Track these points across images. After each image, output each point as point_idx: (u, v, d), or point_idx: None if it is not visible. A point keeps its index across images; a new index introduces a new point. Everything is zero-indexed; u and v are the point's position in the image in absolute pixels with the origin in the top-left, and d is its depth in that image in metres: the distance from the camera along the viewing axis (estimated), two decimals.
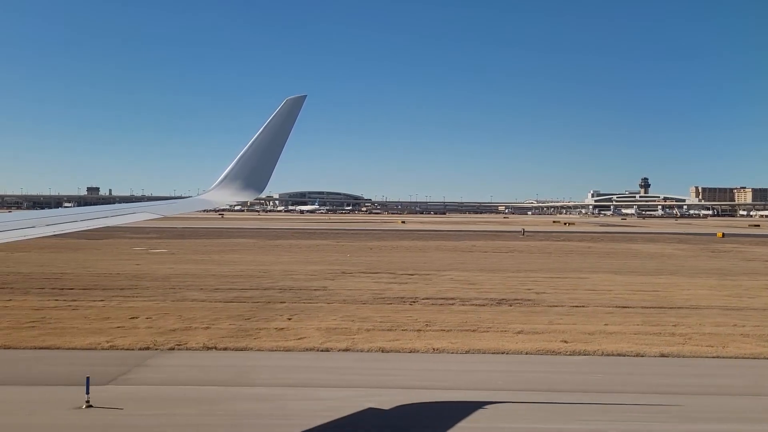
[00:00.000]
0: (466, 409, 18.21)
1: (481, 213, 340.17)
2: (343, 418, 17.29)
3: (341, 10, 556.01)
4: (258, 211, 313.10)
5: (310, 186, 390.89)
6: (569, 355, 24.18)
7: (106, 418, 17.17)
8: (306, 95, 15.22)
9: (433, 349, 24.66)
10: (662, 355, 24.13)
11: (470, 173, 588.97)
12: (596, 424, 17.23)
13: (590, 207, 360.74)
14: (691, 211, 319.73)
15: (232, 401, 18.62)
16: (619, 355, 24.19)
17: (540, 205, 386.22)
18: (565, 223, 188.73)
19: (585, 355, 24.18)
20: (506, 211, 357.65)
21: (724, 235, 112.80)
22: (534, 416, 17.86)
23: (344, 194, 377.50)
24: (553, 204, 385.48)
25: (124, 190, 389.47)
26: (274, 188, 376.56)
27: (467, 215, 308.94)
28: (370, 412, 17.98)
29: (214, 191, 14.84)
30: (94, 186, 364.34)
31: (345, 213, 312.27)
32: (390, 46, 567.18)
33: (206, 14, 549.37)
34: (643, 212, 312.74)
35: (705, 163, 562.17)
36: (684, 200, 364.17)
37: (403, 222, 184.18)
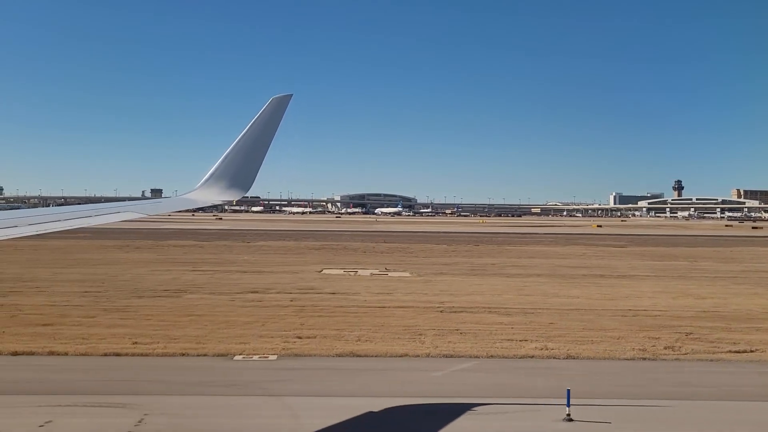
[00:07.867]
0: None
1: (519, 216, 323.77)
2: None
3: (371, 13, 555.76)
4: (324, 212, 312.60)
5: (359, 188, 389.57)
6: None
7: None
8: (292, 94, 15.07)
9: None
10: None
11: (492, 175, 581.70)
12: None
13: (644, 209, 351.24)
14: (753, 214, 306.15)
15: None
16: None
17: (586, 207, 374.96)
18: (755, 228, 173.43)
19: None
20: (564, 214, 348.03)
21: None
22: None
23: (400, 196, 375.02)
24: (600, 207, 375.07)
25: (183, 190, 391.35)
26: (337, 190, 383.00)
27: (566, 218, 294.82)
28: None
29: (199, 190, 14.67)
30: (157, 188, 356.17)
31: (428, 216, 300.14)
32: (394, 50, 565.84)
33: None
34: (705, 215, 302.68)
35: (732, 165, 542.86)
36: (744, 203, 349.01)
37: (599, 226, 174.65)
